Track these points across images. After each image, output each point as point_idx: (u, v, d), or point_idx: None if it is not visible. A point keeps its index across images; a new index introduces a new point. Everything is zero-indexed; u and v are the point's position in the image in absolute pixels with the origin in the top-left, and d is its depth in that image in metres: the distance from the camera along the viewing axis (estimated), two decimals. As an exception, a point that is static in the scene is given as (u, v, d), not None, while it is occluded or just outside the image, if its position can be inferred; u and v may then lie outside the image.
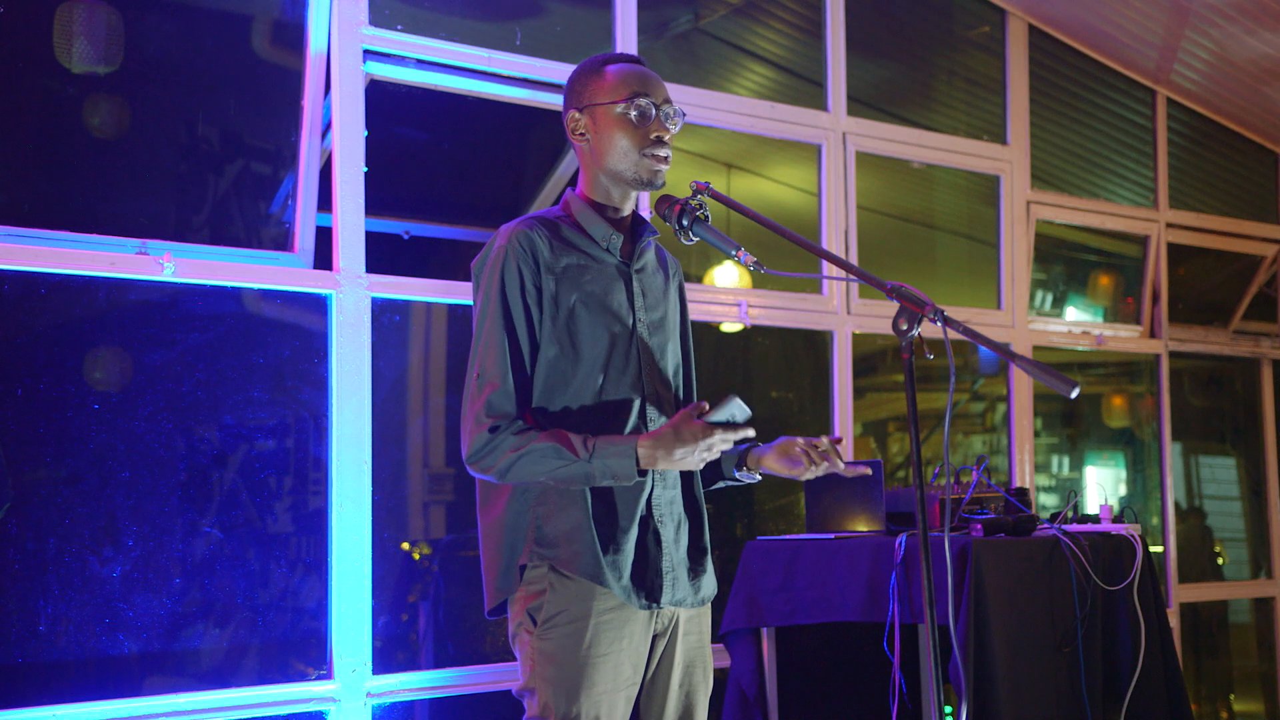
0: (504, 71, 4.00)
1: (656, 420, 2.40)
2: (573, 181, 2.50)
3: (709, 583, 2.46)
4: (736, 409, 2.24)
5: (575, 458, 2.22)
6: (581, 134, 2.42)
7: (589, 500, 2.30)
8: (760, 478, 2.55)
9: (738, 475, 2.54)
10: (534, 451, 2.23)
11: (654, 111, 2.38)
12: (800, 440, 2.44)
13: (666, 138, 2.38)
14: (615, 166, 2.39)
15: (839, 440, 2.45)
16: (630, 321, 2.39)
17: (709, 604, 2.49)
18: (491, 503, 2.37)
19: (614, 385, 2.35)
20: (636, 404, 2.37)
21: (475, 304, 2.38)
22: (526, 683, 2.32)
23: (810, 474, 2.43)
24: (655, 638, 2.38)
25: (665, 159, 2.39)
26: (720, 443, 2.23)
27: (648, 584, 2.34)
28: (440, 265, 4.63)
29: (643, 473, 2.26)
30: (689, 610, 2.43)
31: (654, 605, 2.34)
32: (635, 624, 2.33)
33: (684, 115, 2.43)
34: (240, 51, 3.71)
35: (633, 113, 2.36)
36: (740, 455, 2.52)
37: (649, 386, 2.39)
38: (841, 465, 2.42)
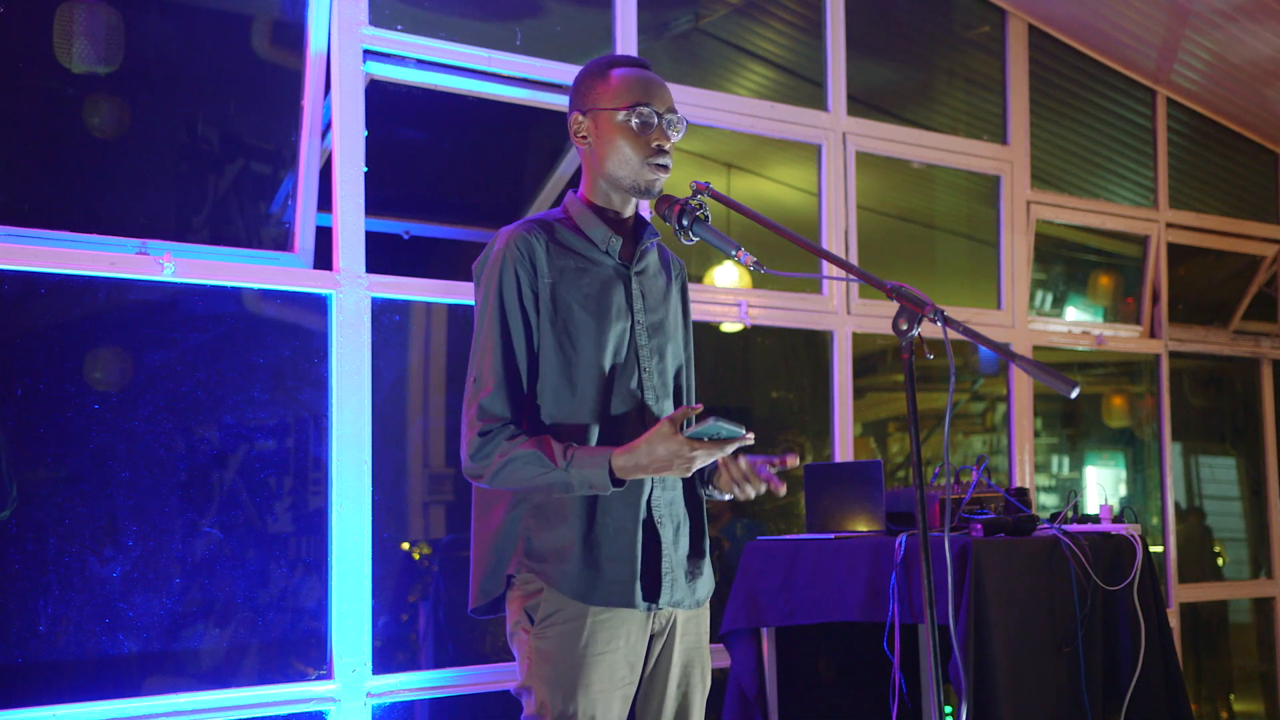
0: (504, 71, 4.00)
1: (647, 421, 2.39)
2: (574, 182, 2.50)
3: (705, 584, 2.47)
4: (719, 428, 2.17)
5: (553, 466, 2.23)
6: (583, 137, 2.43)
7: (582, 515, 2.31)
8: (729, 496, 2.44)
9: (708, 492, 2.51)
10: (519, 458, 2.25)
11: (656, 120, 2.38)
12: (742, 465, 2.34)
13: (667, 146, 2.39)
14: (615, 173, 2.40)
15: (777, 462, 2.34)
16: (629, 324, 2.40)
17: (707, 604, 2.49)
18: (488, 512, 2.39)
19: (616, 387, 2.36)
20: (637, 406, 2.38)
21: (475, 307, 2.40)
22: (524, 681, 2.34)
23: (745, 495, 2.37)
24: (652, 637, 2.38)
25: (665, 168, 2.39)
26: (702, 458, 2.20)
27: (646, 585, 2.34)
28: (440, 265, 4.63)
29: (619, 483, 2.24)
30: (687, 611, 2.43)
31: (652, 606, 2.34)
32: (632, 623, 2.33)
33: (686, 123, 2.43)
34: (240, 51, 3.71)
35: (634, 121, 2.36)
36: (710, 471, 2.47)
37: (649, 388, 2.40)
38: (777, 487, 2.34)
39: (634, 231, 2.48)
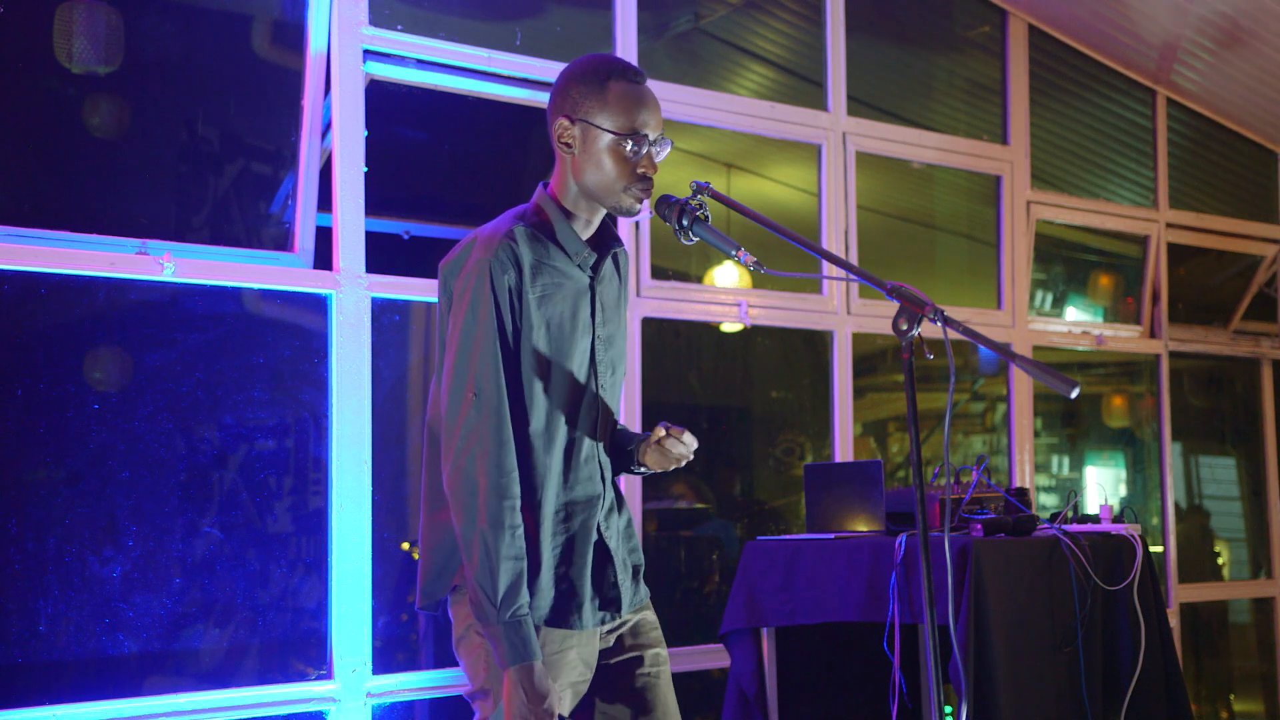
0: (504, 71, 4.00)
1: (600, 438, 2.41)
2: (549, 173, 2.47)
3: (643, 586, 2.51)
4: None
5: (494, 608, 2.19)
6: (568, 144, 2.36)
7: (533, 538, 2.30)
8: (650, 470, 2.49)
9: (637, 469, 2.53)
10: (500, 561, 2.19)
11: (646, 147, 2.34)
12: (660, 431, 2.37)
13: (652, 174, 2.37)
14: (594, 189, 2.35)
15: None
16: (591, 338, 2.40)
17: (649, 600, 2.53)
18: (440, 511, 2.34)
19: (572, 399, 2.37)
20: (592, 416, 2.39)
21: (458, 311, 2.30)
22: (480, 684, 2.31)
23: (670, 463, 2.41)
24: (609, 633, 2.43)
25: (646, 192, 2.37)
26: None
27: (605, 598, 2.39)
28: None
29: (511, 662, 2.20)
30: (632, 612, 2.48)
31: (616, 617, 2.40)
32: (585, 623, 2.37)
33: (670, 144, 2.40)
34: (240, 51, 3.71)
35: (627, 146, 2.31)
36: (635, 450, 2.50)
37: (601, 404, 2.41)
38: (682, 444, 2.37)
39: (599, 236, 2.46)
